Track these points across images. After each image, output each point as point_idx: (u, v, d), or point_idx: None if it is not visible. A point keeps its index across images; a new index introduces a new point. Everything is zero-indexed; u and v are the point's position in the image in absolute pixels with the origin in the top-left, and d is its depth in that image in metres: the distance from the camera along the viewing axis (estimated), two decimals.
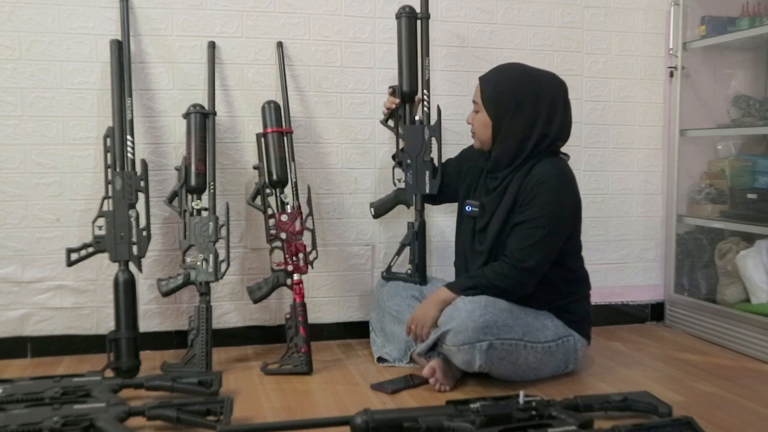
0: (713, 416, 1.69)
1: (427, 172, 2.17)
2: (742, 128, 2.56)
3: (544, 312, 1.96)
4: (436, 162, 2.20)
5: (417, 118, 2.20)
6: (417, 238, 2.20)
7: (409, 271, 2.21)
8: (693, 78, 2.62)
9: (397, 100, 2.19)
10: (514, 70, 2.00)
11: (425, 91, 2.19)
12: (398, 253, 2.24)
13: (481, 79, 2.01)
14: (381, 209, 2.25)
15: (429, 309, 1.93)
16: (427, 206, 2.30)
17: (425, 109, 2.19)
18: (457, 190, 2.16)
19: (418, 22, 2.20)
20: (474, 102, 2.01)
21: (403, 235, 2.25)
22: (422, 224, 2.22)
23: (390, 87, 2.21)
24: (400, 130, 2.21)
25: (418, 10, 2.20)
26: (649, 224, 2.69)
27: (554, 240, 1.91)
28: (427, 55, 2.20)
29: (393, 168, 2.25)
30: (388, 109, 2.21)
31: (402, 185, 2.22)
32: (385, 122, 2.24)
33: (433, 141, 2.18)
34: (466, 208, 2.08)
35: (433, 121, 2.19)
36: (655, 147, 2.67)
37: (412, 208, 2.23)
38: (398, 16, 2.19)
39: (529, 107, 1.93)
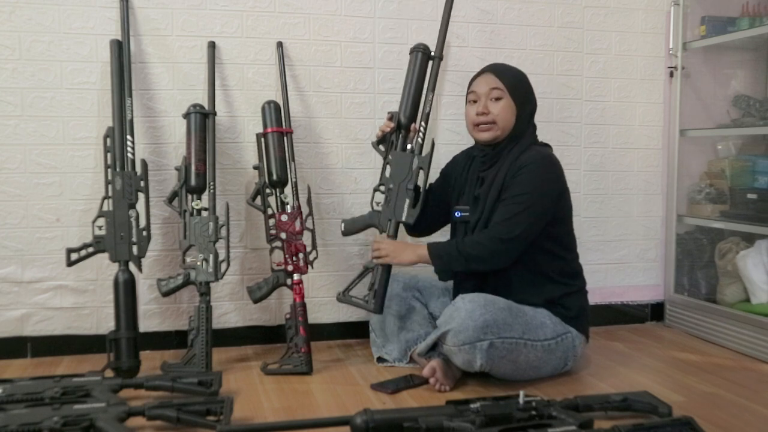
0: (713, 416, 1.69)
1: (408, 201, 2.09)
2: (742, 128, 2.56)
3: (541, 310, 1.96)
4: (421, 194, 2.11)
5: (408, 146, 2.12)
6: (382, 264, 2.06)
7: (366, 297, 2.06)
8: (693, 78, 2.62)
9: (392, 125, 2.13)
10: (510, 65, 2.10)
11: (423, 123, 2.12)
12: (360, 276, 2.10)
13: (492, 69, 2.03)
14: (351, 228, 2.16)
15: (405, 253, 2.02)
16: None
17: (419, 140, 2.11)
18: (449, 210, 2.15)
19: (430, 61, 2.16)
20: (494, 89, 1.99)
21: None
22: None
23: (389, 112, 2.15)
24: (389, 156, 2.14)
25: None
26: (649, 224, 2.69)
27: (533, 217, 1.91)
28: (432, 91, 2.13)
29: (373, 190, 2.16)
30: (382, 131, 2.15)
31: (379, 209, 2.13)
32: (376, 145, 2.16)
33: (420, 173, 2.09)
34: (456, 214, 2.08)
35: (424, 153, 2.11)
36: (655, 147, 2.67)
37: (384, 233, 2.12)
38: (413, 51, 2.16)
39: (533, 95, 2.06)
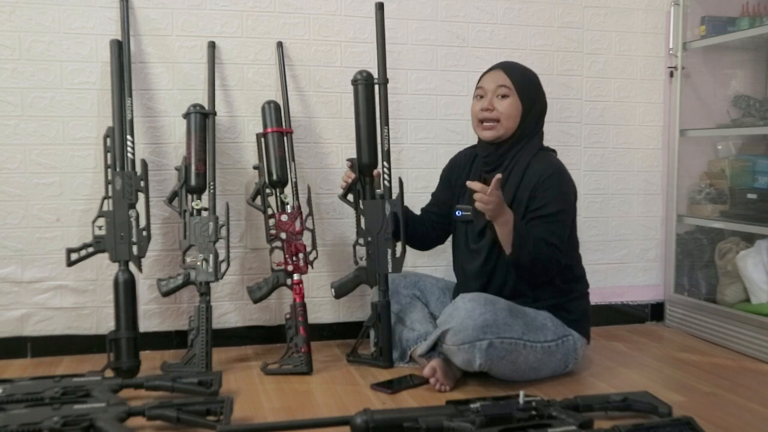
0: (713, 416, 1.69)
1: (389, 251, 2.05)
2: (742, 128, 2.56)
3: (544, 312, 1.96)
4: (401, 235, 2.06)
5: (378, 192, 2.08)
6: (381, 319, 2.05)
7: (374, 354, 2.07)
8: (693, 78, 2.62)
9: (353, 175, 2.08)
10: (522, 64, 2.08)
11: (385, 163, 2.06)
12: (362, 335, 2.10)
13: (501, 66, 2.02)
14: (342, 290, 2.13)
15: (502, 214, 1.84)
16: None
17: (386, 182, 2.06)
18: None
19: (376, 88, 2.08)
20: (502, 86, 1.96)
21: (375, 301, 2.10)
22: (386, 305, 2.06)
23: (348, 160, 2.11)
24: (360, 206, 2.10)
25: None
26: (649, 224, 2.69)
27: (566, 226, 1.95)
28: (386, 124, 2.06)
29: (354, 246, 2.14)
30: (345, 183, 2.10)
31: (364, 264, 2.10)
32: (343, 197, 2.11)
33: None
34: (456, 213, 2.07)
35: (394, 195, 2.07)
36: (655, 147, 2.67)
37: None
38: (354, 82, 2.07)
39: (543, 96, 2.04)
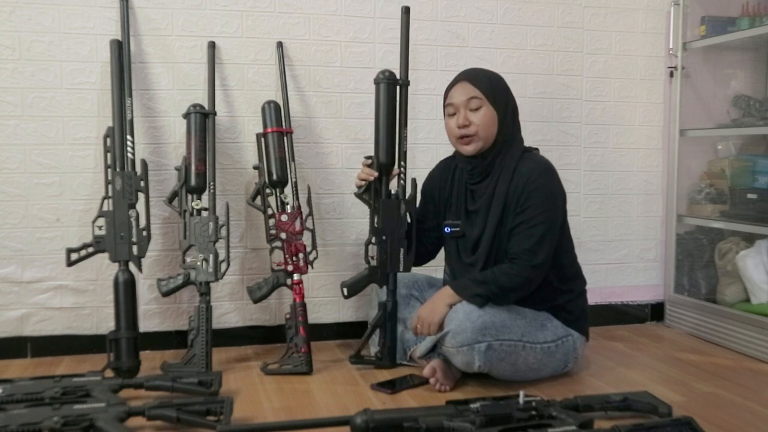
0: (713, 416, 1.69)
1: (402, 250, 2.06)
2: (742, 128, 2.56)
3: (543, 313, 1.96)
4: (413, 238, 2.07)
5: (393, 191, 2.08)
6: (389, 319, 2.05)
7: (378, 354, 2.07)
8: (693, 78, 2.63)
9: (375, 173, 2.04)
10: (483, 68, 2.05)
11: (402, 163, 2.07)
12: (369, 335, 2.09)
13: (466, 77, 1.96)
14: (353, 288, 2.10)
15: (436, 306, 1.91)
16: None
17: (401, 182, 2.07)
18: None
19: (398, 88, 2.07)
20: (472, 98, 1.92)
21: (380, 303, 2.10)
22: (394, 305, 2.06)
23: (366, 157, 2.07)
24: (375, 204, 2.08)
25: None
26: (649, 224, 2.69)
27: (554, 233, 1.92)
28: (406, 126, 2.07)
29: (366, 245, 2.10)
30: (363, 181, 2.07)
31: (375, 263, 2.08)
32: (360, 195, 2.08)
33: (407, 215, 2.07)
34: (446, 229, 2.06)
35: (408, 195, 2.08)
36: (655, 147, 2.67)
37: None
38: (377, 82, 2.05)
39: (513, 100, 2.00)
